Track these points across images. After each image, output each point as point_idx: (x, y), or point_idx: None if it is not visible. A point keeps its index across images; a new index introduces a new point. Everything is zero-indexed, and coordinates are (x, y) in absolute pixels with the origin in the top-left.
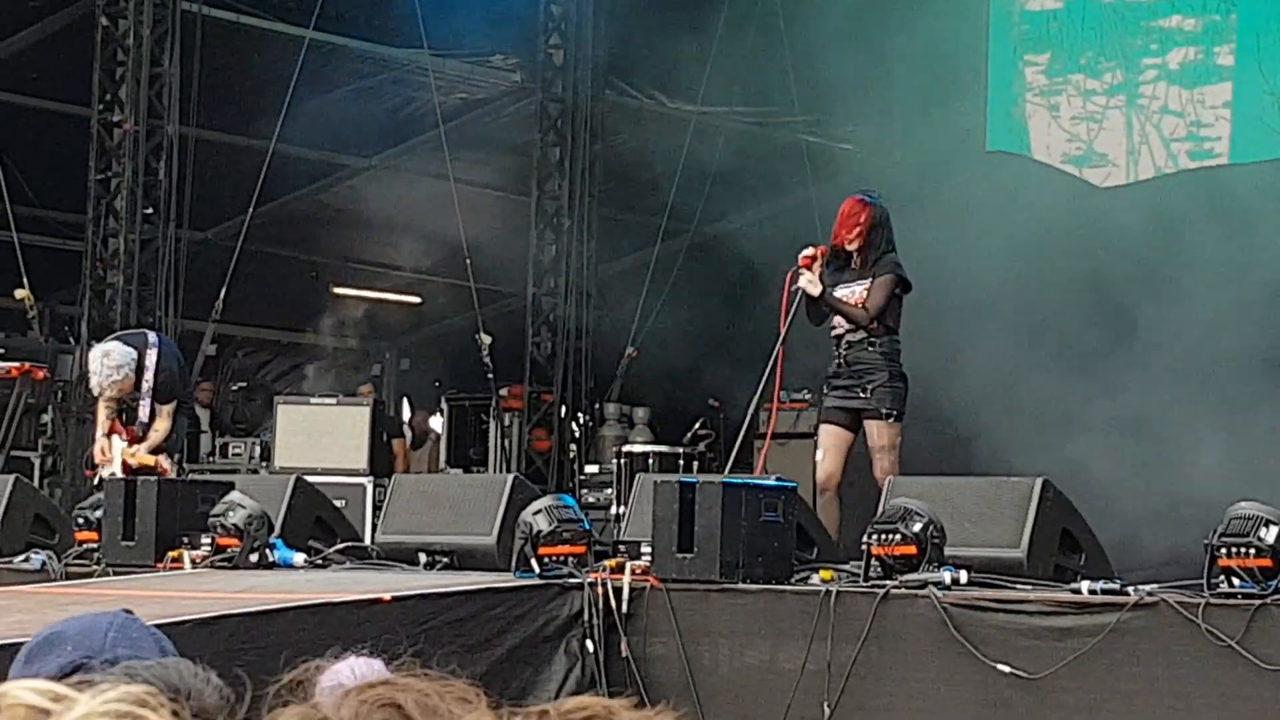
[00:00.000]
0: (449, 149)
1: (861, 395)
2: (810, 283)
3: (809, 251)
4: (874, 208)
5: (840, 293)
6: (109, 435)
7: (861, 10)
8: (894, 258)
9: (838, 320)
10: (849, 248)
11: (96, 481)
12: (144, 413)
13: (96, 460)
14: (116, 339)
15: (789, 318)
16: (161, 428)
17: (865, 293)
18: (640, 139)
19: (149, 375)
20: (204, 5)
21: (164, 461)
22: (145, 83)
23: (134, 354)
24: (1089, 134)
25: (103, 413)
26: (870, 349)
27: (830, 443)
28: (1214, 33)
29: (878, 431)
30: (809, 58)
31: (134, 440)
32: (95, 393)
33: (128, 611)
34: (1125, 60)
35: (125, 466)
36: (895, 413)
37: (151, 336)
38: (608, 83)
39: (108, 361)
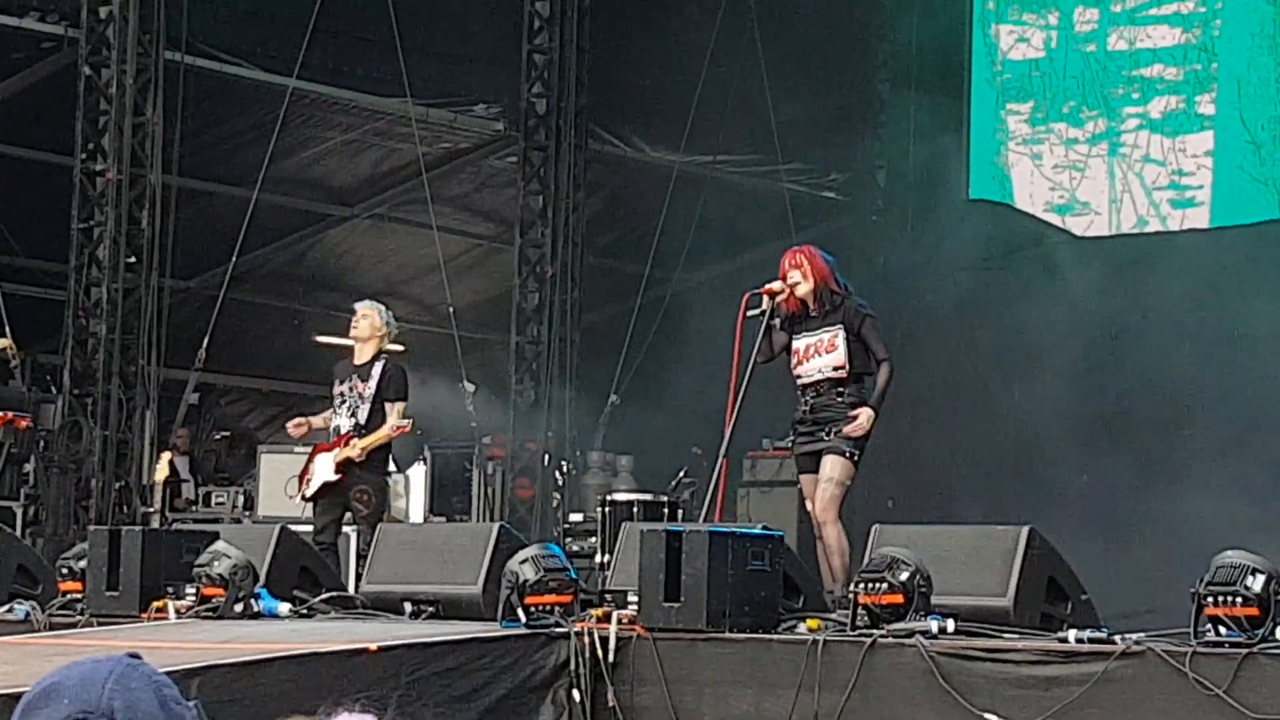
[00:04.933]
0: (432, 197)
1: (825, 438)
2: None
3: (774, 285)
4: (810, 248)
5: (806, 340)
6: (317, 454)
7: (845, 61)
8: (858, 300)
9: (803, 369)
10: (800, 293)
11: (310, 496)
12: (363, 415)
13: (313, 471)
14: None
15: (759, 344)
16: (391, 423)
17: (833, 340)
18: (623, 187)
19: (374, 382)
20: (187, 54)
21: (402, 422)
22: (128, 132)
23: (392, 328)
24: (1071, 182)
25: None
26: (839, 398)
27: (812, 490)
28: (1195, 82)
29: (831, 464)
30: (792, 107)
31: (345, 442)
32: (367, 335)
33: (134, 656)
34: (1107, 109)
35: (340, 467)
36: (855, 453)
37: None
38: (590, 131)
39: (370, 303)
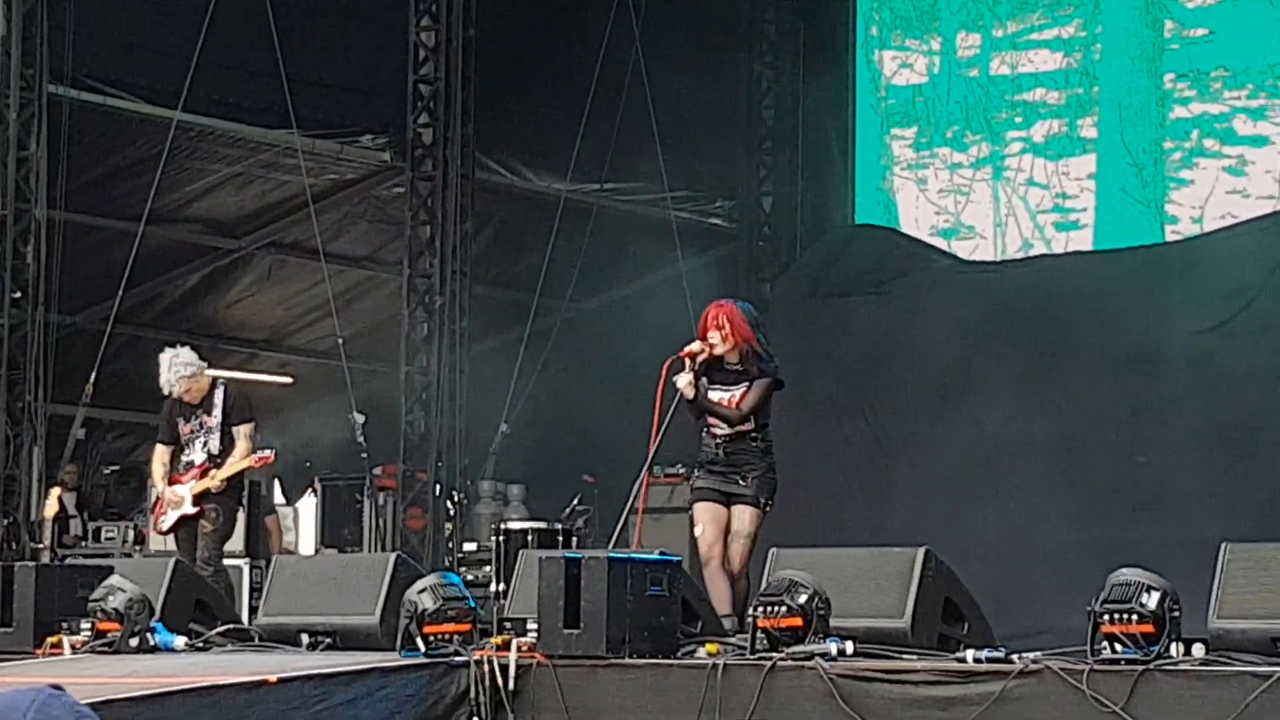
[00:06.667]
0: (320, 229)
1: (740, 483)
2: (687, 385)
3: (693, 346)
4: (735, 307)
5: (717, 395)
6: (170, 485)
7: (730, 87)
8: (774, 363)
9: (716, 419)
10: (718, 352)
11: (169, 526)
12: (214, 445)
13: (167, 504)
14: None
15: (671, 408)
16: (242, 448)
17: (741, 394)
18: (511, 216)
19: (217, 411)
20: (71, 88)
21: (259, 453)
22: (12, 166)
23: (202, 363)
24: (956, 206)
25: (159, 471)
26: (752, 444)
27: (707, 517)
28: (1077, 105)
29: (749, 517)
30: (678, 135)
31: (203, 474)
32: (165, 391)
33: (56, 687)
34: (991, 133)
35: (198, 499)
36: (768, 503)
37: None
38: (478, 161)
39: (177, 360)
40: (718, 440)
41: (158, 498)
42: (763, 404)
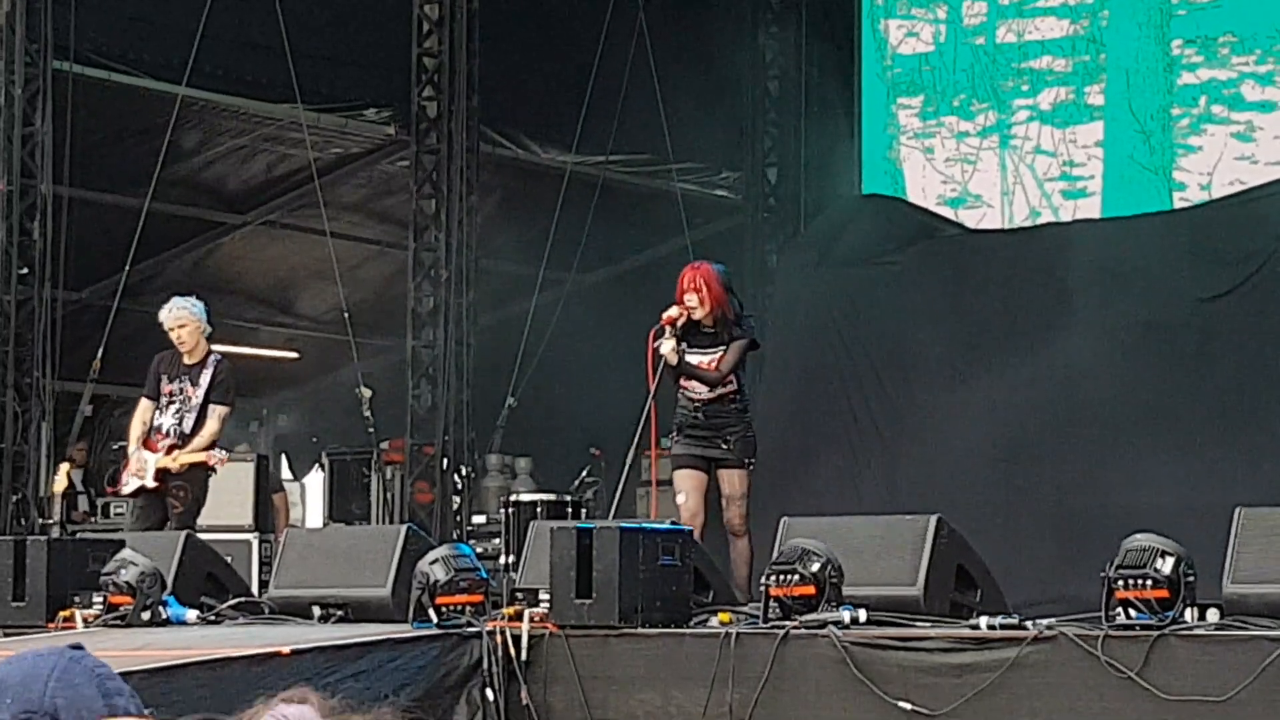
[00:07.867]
0: (325, 203)
1: (722, 446)
2: (671, 351)
3: (672, 311)
4: (710, 268)
5: (697, 358)
6: (142, 447)
7: (734, 58)
8: (749, 322)
9: (693, 384)
10: (696, 316)
11: (129, 491)
12: (188, 423)
13: (133, 472)
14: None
15: (656, 375)
16: (211, 429)
17: (719, 357)
18: (516, 189)
19: (202, 389)
20: (75, 63)
21: (216, 453)
22: (18, 142)
23: (205, 324)
24: (963, 175)
25: (137, 429)
26: (730, 405)
27: (689, 485)
28: (1084, 73)
29: (739, 479)
30: (683, 106)
31: (171, 450)
32: (161, 321)
33: (77, 647)
34: (997, 101)
35: (161, 474)
36: (752, 461)
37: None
38: (482, 134)
39: (187, 301)
40: (696, 403)
41: (126, 456)
42: (740, 364)
